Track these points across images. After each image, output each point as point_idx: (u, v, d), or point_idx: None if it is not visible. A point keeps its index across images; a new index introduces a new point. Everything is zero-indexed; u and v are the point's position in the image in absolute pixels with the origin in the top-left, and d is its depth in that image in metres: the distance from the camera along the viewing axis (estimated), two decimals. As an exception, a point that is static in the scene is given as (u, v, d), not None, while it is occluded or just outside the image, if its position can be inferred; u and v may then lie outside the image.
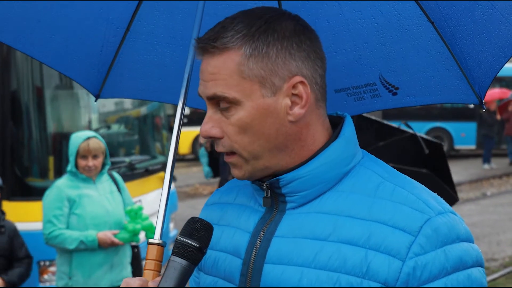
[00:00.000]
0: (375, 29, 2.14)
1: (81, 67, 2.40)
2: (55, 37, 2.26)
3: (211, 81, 1.51)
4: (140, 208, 5.20)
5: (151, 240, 1.61)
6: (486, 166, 20.78)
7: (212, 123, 1.53)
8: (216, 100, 1.52)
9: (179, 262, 1.45)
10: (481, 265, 1.48)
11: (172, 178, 1.71)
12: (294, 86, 1.51)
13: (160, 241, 1.62)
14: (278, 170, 1.54)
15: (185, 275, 1.46)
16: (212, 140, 1.57)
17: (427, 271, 1.40)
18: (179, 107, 1.85)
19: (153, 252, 1.60)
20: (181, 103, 1.86)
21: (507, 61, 1.88)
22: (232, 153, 1.54)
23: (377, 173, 1.55)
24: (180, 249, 1.47)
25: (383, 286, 1.41)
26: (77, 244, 5.12)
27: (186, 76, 1.89)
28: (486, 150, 21.02)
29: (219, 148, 1.55)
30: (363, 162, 1.58)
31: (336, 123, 1.62)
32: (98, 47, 2.37)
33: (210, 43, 1.51)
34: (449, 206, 1.50)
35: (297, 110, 1.52)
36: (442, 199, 1.53)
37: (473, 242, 1.49)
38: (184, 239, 1.47)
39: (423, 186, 1.55)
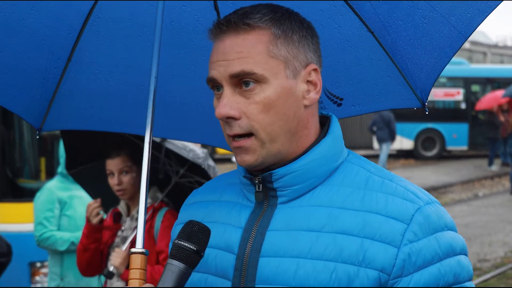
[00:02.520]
0: (316, 43, 2.21)
1: (22, 100, 2.36)
2: (-5, 70, 2.23)
3: (237, 59, 1.52)
4: None
5: (133, 250, 1.60)
6: (493, 168, 20.94)
7: (231, 103, 1.53)
8: (237, 80, 1.52)
9: (176, 265, 1.46)
10: (466, 254, 1.55)
11: (148, 188, 1.71)
12: (309, 73, 1.58)
13: (142, 250, 1.61)
14: (285, 158, 1.57)
15: (182, 278, 1.46)
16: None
17: (421, 256, 1.45)
18: (147, 132, 1.86)
19: (136, 261, 1.60)
20: (148, 129, 1.86)
21: (448, 61, 1.98)
22: (248, 135, 1.54)
23: (364, 168, 1.60)
24: (177, 252, 1.47)
25: (380, 272, 1.45)
26: (68, 245, 5.09)
27: (150, 103, 1.89)
28: (492, 152, 21.19)
29: (234, 130, 1.54)
30: (350, 159, 1.63)
31: (322, 122, 1.67)
32: (40, 79, 2.34)
33: (242, 20, 1.53)
34: (434, 197, 1.58)
35: (312, 95, 1.58)
36: (426, 191, 1.60)
37: (456, 232, 1.56)
38: (182, 242, 1.48)
39: (407, 180, 1.62)
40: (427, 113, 2.19)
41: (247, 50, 1.53)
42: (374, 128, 19.55)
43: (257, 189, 1.59)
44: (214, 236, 1.55)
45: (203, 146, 4.81)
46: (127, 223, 4.04)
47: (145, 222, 1.68)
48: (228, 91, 1.54)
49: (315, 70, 1.58)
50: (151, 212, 3.94)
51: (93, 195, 4.70)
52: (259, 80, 1.52)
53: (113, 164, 4.03)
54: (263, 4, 1.60)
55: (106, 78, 2.41)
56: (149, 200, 4.01)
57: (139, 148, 3.73)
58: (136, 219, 3.90)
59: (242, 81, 1.52)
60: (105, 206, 4.50)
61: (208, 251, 1.56)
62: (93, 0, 2.22)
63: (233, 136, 1.55)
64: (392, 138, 19.39)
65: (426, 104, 2.18)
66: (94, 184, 4.52)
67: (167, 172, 4.11)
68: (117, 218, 4.15)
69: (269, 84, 1.52)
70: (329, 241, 1.49)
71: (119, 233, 4.09)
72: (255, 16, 1.54)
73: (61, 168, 5.27)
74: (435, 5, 1.87)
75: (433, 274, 1.46)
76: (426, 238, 1.47)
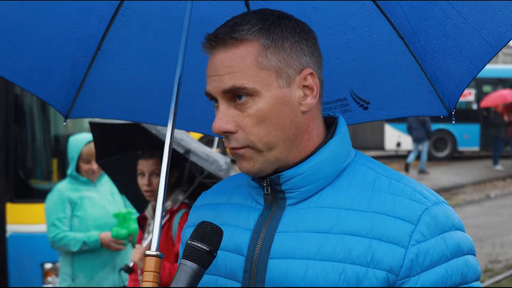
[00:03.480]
0: (346, 45, 2.20)
1: (51, 86, 2.39)
2: (25, 56, 2.25)
3: (227, 74, 1.52)
4: (129, 213, 5.13)
5: (148, 252, 1.61)
6: (498, 167, 20.85)
7: (226, 118, 1.54)
8: (231, 94, 1.53)
9: (189, 266, 1.47)
10: (473, 254, 1.55)
11: (166, 191, 1.71)
12: (305, 78, 1.56)
13: (157, 253, 1.62)
14: (286, 163, 1.57)
15: (195, 279, 1.47)
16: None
17: (429, 257, 1.46)
18: (169, 127, 1.85)
19: (151, 264, 1.60)
20: (170, 123, 1.86)
21: (478, 74, 1.95)
22: (245, 146, 1.55)
23: (372, 168, 1.61)
24: (190, 253, 1.48)
25: (388, 273, 1.46)
26: (80, 246, 5.12)
27: (173, 104, 1.89)
28: (495, 151, 21.11)
29: (232, 144, 1.55)
30: (357, 159, 1.63)
31: (329, 123, 1.67)
32: (69, 66, 2.36)
33: (229, 34, 1.53)
34: (441, 197, 1.58)
35: (309, 100, 1.57)
36: (434, 191, 1.59)
37: (464, 231, 1.56)
38: (195, 243, 1.49)
39: (415, 180, 1.61)
40: (453, 122, 2.16)
41: (236, 64, 1.52)
42: (411, 129, 19.76)
43: (265, 192, 1.60)
44: (224, 238, 1.56)
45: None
46: (151, 226, 4.10)
47: (161, 224, 1.69)
48: (223, 106, 1.55)
49: (311, 74, 1.57)
50: (169, 215, 4.01)
51: (122, 187, 4.78)
52: (251, 93, 1.52)
53: (145, 165, 4.10)
54: (255, 12, 1.59)
55: (134, 69, 2.42)
56: (169, 203, 4.08)
57: (173, 151, 3.74)
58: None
59: (235, 94, 1.53)
60: (133, 200, 4.58)
61: (217, 253, 1.56)
62: (124, -8, 2.23)
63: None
64: (428, 137, 19.65)
65: (453, 113, 2.16)
66: (124, 177, 4.58)
67: (191, 171, 4.15)
68: (144, 224, 4.26)
69: (261, 96, 1.52)
70: (338, 242, 1.50)
71: (145, 235, 4.20)
72: (243, 28, 1.54)
73: (70, 170, 5.29)
74: (467, 17, 1.84)
75: (440, 274, 1.46)
76: (433, 238, 1.47)
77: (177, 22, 2.26)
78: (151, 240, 1.69)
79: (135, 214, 5.13)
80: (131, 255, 4.00)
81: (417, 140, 19.70)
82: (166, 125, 2.41)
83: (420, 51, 2.07)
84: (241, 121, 1.54)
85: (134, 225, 5.05)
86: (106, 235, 5.14)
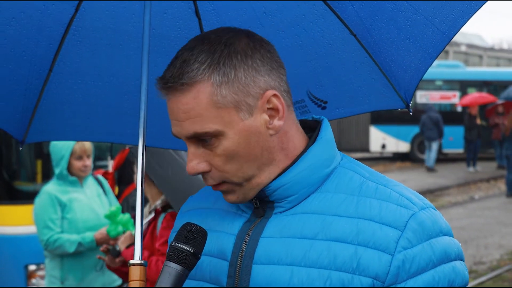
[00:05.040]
0: (300, 47, 2.22)
1: (4, 112, 2.34)
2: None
3: (186, 120, 1.48)
4: (119, 208, 5.06)
5: (132, 261, 1.60)
6: (471, 169, 21.36)
7: (197, 159, 1.51)
8: (195, 138, 1.51)
9: (173, 267, 1.45)
10: (462, 259, 1.54)
11: (144, 197, 1.71)
12: (268, 101, 1.52)
13: (141, 261, 1.60)
14: (270, 181, 1.55)
15: (179, 280, 1.45)
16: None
17: (415, 264, 1.44)
18: (140, 144, 1.84)
19: (135, 272, 1.59)
20: (141, 140, 1.85)
21: (432, 62, 2.00)
22: (221, 183, 1.54)
23: (358, 173, 1.58)
24: (174, 254, 1.47)
25: (374, 280, 1.45)
26: (76, 247, 5.05)
27: (142, 114, 1.87)
28: (469, 153, 21.61)
29: (209, 182, 1.54)
30: (343, 164, 1.61)
31: (313, 127, 1.65)
32: (21, 90, 2.31)
33: (177, 80, 1.48)
34: (429, 202, 1.57)
35: (276, 122, 1.53)
36: (421, 195, 1.59)
37: (452, 236, 1.55)
38: (179, 245, 1.47)
39: (402, 184, 1.61)
40: (411, 113, 2.20)
41: (192, 108, 1.48)
42: (424, 129, 20.53)
43: (255, 206, 1.58)
44: (208, 243, 1.55)
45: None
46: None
47: (142, 233, 1.68)
48: (191, 148, 1.53)
49: (274, 95, 1.52)
50: (153, 215, 4.12)
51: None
52: (214, 135, 1.49)
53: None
54: (201, 40, 1.52)
55: (89, 88, 2.39)
56: (159, 202, 4.17)
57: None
58: (150, 212, 4.09)
59: (200, 138, 1.50)
60: None
61: (202, 258, 1.55)
62: (73, 10, 2.20)
63: None
64: (440, 136, 20.72)
65: (410, 104, 2.20)
66: None
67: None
68: None
69: (225, 136, 1.49)
70: (323, 249, 1.48)
71: None
72: (191, 68, 1.47)
73: (60, 169, 5.22)
74: (418, 7, 1.88)
75: (427, 281, 1.45)
76: (420, 244, 1.46)
77: (129, 37, 2.26)
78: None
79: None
80: (120, 240, 4.27)
81: (429, 139, 20.57)
82: (126, 143, 2.41)
83: (373, 46, 2.10)
84: (212, 160, 1.52)
85: (125, 217, 5.01)
86: (101, 233, 5.08)
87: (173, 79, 1.49)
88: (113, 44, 2.29)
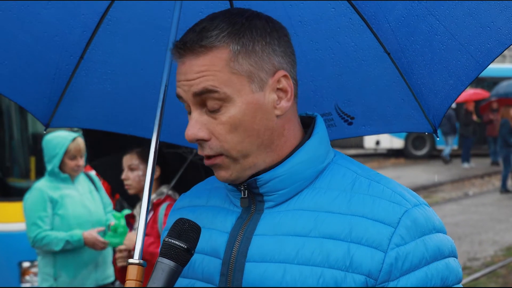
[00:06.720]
0: (332, 60, 2.19)
1: (32, 94, 2.35)
2: (6, 62, 2.21)
3: (198, 78, 1.48)
4: (122, 214, 5.09)
5: (130, 260, 1.58)
6: (465, 165, 21.34)
7: (199, 125, 1.50)
8: (202, 99, 1.49)
9: (167, 264, 1.44)
10: (455, 256, 1.53)
11: (151, 196, 1.69)
12: (278, 81, 1.52)
13: (140, 261, 1.59)
14: (263, 167, 1.54)
15: (173, 277, 1.43)
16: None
17: (408, 261, 1.43)
18: (154, 136, 1.82)
19: (133, 272, 1.57)
20: (155, 135, 1.83)
21: (464, 89, 1.95)
22: (218, 155, 1.52)
23: (351, 169, 1.57)
24: (168, 251, 1.45)
25: (367, 277, 1.43)
26: (63, 245, 5.07)
27: (158, 111, 1.85)
28: (464, 149, 21.64)
29: (206, 151, 1.51)
30: (336, 160, 1.60)
31: (306, 123, 1.64)
32: (51, 74, 2.32)
33: (197, 42, 1.49)
34: (422, 199, 1.55)
35: (283, 103, 1.53)
36: (414, 192, 1.57)
37: (445, 233, 1.54)
38: (172, 240, 1.46)
39: (395, 181, 1.59)
40: (437, 139, 2.15)
41: (207, 69, 1.48)
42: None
43: (243, 195, 1.56)
44: (201, 241, 1.53)
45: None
46: (136, 223, 4.32)
47: (145, 233, 1.66)
48: (195, 112, 1.51)
49: (284, 76, 1.53)
50: (152, 207, 4.18)
51: (116, 187, 4.78)
52: (222, 99, 1.48)
53: (124, 160, 4.44)
54: (223, 14, 1.54)
55: (118, 79, 2.39)
56: (154, 196, 4.27)
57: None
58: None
59: (204, 102, 1.49)
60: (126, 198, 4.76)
61: (195, 256, 1.54)
62: (110, 0, 2.20)
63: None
64: (454, 131, 21.34)
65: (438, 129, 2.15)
66: (117, 175, 4.64)
67: (182, 154, 4.29)
68: (132, 222, 4.53)
69: (233, 103, 1.48)
70: (316, 246, 1.47)
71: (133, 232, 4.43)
72: (211, 34, 1.49)
73: (52, 166, 5.25)
74: (455, 33, 1.83)
75: (420, 278, 1.44)
76: (413, 241, 1.45)
77: (162, 31, 2.24)
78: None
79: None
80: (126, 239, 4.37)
81: (445, 134, 21.02)
82: (148, 136, 2.40)
83: (406, 66, 2.06)
84: (214, 128, 1.50)
85: (122, 222, 5.01)
86: (90, 233, 5.10)
87: (192, 41, 1.49)
88: (145, 37, 2.28)
